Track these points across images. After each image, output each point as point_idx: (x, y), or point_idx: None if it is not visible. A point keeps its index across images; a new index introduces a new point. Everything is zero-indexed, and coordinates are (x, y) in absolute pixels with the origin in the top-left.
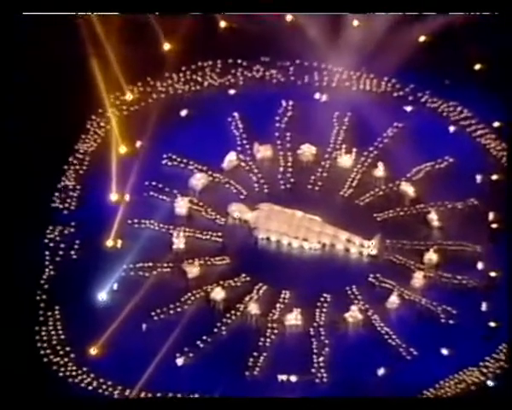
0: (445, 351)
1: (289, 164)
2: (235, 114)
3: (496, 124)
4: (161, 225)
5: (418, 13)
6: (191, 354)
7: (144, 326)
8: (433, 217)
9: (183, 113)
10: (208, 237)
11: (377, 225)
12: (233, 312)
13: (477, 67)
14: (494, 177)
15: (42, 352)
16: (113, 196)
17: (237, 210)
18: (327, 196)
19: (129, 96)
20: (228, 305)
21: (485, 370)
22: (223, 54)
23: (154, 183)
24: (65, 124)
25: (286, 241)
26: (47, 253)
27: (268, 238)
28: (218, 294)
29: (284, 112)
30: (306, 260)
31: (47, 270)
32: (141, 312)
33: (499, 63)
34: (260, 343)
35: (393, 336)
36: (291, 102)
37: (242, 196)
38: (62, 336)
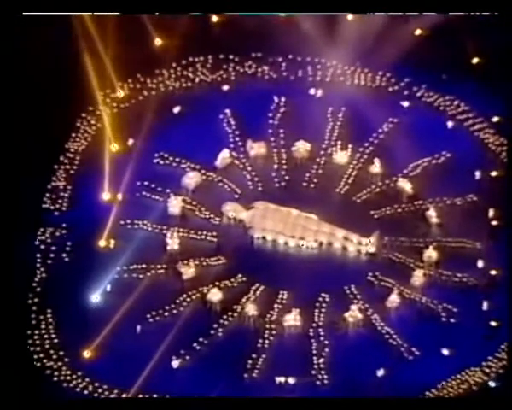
0: (446, 351)
1: (283, 161)
2: (227, 111)
3: (495, 119)
4: (154, 226)
5: (418, 13)
6: (188, 357)
7: (139, 328)
8: (432, 213)
9: (176, 110)
10: (203, 237)
11: (374, 223)
12: (230, 313)
13: (475, 60)
14: (493, 173)
15: (35, 356)
16: (106, 196)
17: (232, 209)
18: (323, 193)
19: (120, 94)
20: (225, 306)
21: (487, 370)
22: (214, 49)
23: (146, 182)
24: (54, 123)
25: (282, 240)
26: (38, 255)
27: (264, 237)
28: (215, 295)
29: (277, 108)
30: (303, 260)
31: (38, 272)
32: (135, 314)
33: (497, 57)
34: (259, 345)
35: (394, 336)
36: (285, 98)
37: (237, 195)
38: (55, 340)
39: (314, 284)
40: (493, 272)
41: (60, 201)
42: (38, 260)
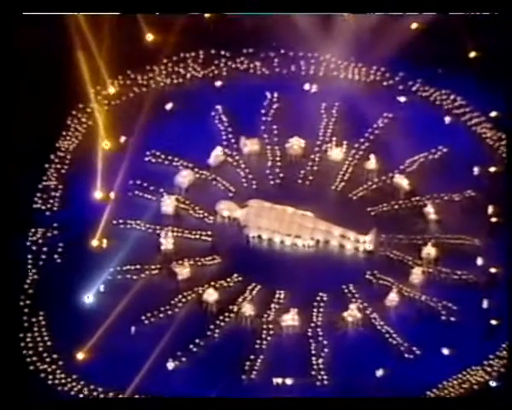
0: (447, 350)
1: (278, 158)
2: (219, 108)
3: (493, 114)
4: (148, 226)
5: (418, 13)
6: (184, 359)
7: (133, 329)
8: (430, 210)
9: (168, 107)
10: (197, 236)
11: (371, 220)
12: (226, 314)
13: (472, 54)
14: (492, 169)
15: (28, 359)
16: (98, 195)
17: (226, 208)
18: (318, 190)
19: (111, 90)
20: (221, 307)
21: (489, 369)
22: (205, 44)
23: (138, 181)
24: (45, 121)
25: (278, 238)
26: (29, 256)
27: (259, 236)
28: (211, 295)
29: (270, 104)
30: (300, 258)
31: (30, 274)
32: (130, 316)
33: (494, 50)
34: (257, 346)
35: (394, 335)
36: (278, 94)
37: (231, 194)
38: (48, 343)
39: (311, 283)
40: (493, 270)
41: (51, 200)
42: (30, 261)
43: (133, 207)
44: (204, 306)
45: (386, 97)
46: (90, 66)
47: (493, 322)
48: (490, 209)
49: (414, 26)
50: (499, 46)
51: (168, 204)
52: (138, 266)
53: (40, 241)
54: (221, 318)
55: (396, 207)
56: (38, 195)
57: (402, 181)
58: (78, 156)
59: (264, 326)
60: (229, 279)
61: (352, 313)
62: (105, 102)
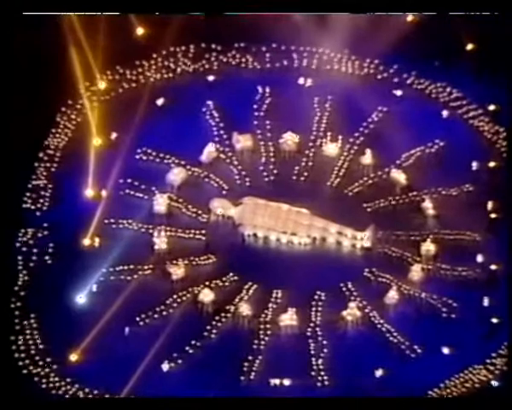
0: (448, 349)
1: (271, 154)
2: (210, 103)
3: (491, 107)
4: (140, 225)
5: (418, 13)
6: (180, 361)
7: (127, 330)
8: (428, 205)
9: (159, 102)
10: (191, 235)
11: (368, 216)
12: (223, 314)
13: (469, 47)
14: (491, 164)
15: (20, 363)
16: (89, 193)
17: (220, 206)
18: (313, 186)
19: (101, 86)
20: (217, 307)
21: (491, 368)
22: (195, 38)
23: (129, 179)
24: (33, 118)
25: (274, 236)
26: (20, 257)
27: (255, 234)
28: (207, 295)
29: (263, 99)
30: (297, 256)
31: (21, 275)
32: (124, 317)
33: (492, 43)
34: (255, 346)
35: (395, 334)
36: (271, 89)
37: (224, 191)
38: (41, 346)
39: (309, 282)
40: (493, 267)
41: (41, 200)
42: (20, 262)
43: (125, 205)
44: (200, 306)
45: (381, 91)
46: (79, 62)
47: (494, 320)
48: (489, 205)
49: (409, 18)
50: (497, 38)
51: (161, 203)
52: (131, 267)
53: (30, 241)
54: (217, 318)
55: (393, 202)
56: (28, 194)
57: (399, 176)
58: (68, 154)
59: (262, 326)
60: (224, 279)
61: (352, 312)
62: (94, 99)
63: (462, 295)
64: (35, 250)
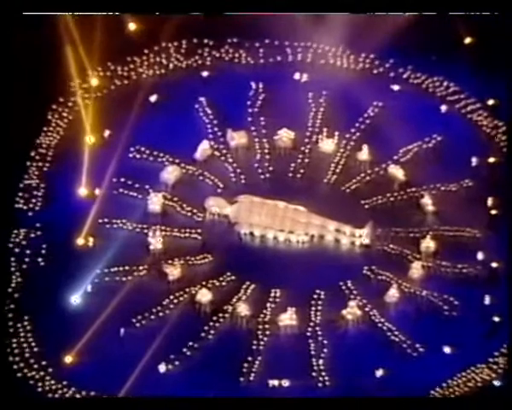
0: (450, 348)
1: (266, 151)
2: (202, 100)
3: (491, 102)
4: (135, 225)
5: (418, 13)
6: (177, 362)
7: (122, 331)
8: (428, 201)
9: (151, 99)
10: (187, 234)
11: (366, 213)
12: (221, 314)
13: (467, 40)
14: (491, 160)
15: (15, 367)
16: (82, 192)
17: (215, 205)
18: (310, 184)
19: (94, 82)
20: (215, 307)
21: (495, 367)
22: (187, 33)
23: (123, 179)
24: (23, 117)
25: (271, 235)
26: (12, 259)
27: (251, 233)
28: (204, 295)
29: (256, 95)
30: (295, 254)
31: (14, 277)
32: (120, 319)
33: (491, 36)
34: (254, 347)
35: (396, 333)
36: (265, 85)
37: (219, 189)
38: (35, 349)
39: (307, 281)
40: (494, 265)
41: (33, 200)
42: (13, 264)
43: (119, 205)
44: (197, 307)
45: (377, 85)
46: (69, 59)
47: (496, 319)
48: (489, 202)
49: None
50: (496, 33)
51: (155, 202)
52: (127, 268)
53: (23, 242)
54: (215, 319)
55: (391, 199)
56: (20, 194)
57: (397, 172)
58: (61, 153)
59: (261, 327)
60: (221, 278)
61: (352, 311)
62: (86, 96)
63: (463, 292)
64: (28, 251)
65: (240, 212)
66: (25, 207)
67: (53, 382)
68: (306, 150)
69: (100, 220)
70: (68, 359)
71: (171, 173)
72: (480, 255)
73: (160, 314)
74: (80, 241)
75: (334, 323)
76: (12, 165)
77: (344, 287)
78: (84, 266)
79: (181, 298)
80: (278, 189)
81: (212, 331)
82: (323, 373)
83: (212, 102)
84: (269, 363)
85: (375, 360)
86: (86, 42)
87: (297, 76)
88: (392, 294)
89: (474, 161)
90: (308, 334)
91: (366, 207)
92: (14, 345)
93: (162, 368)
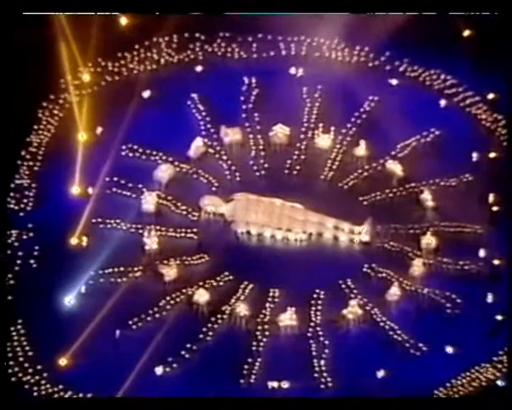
0: (453, 347)
1: (261, 147)
2: (194, 96)
3: (490, 96)
4: (129, 225)
5: (418, 13)
6: (175, 365)
7: (118, 332)
8: (427, 196)
9: (144, 95)
10: (182, 234)
11: (365, 210)
12: (219, 315)
13: (466, 33)
14: (492, 155)
15: (9, 371)
16: (75, 190)
17: (211, 203)
18: (306, 180)
19: (85, 78)
20: (213, 308)
21: (499, 365)
22: (178, 27)
23: (116, 178)
24: (13, 115)
25: (268, 233)
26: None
27: (248, 232)
28: (202, 296)
29: (250, 90)
30: (293, 253)
31: (6, 279)
32: (115, 321)
33: (489, 29)
34: (254, 348)
35: (399, 332)
36: (260, 80)
37: (214, 188)
38: (30, 353)
39: (307, 280)
40: (496, 262)
41: (25, 200)
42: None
43: (112, 204)
44: (195, 307)
45: (374, 79)
46: (59, 55)
47: (499, 317)
48: (491, 198)
49: None
50: (495, 27)
51: (149, 201)
52: (122, 269)
53: (15, 244)
54: (213, 320)
55: (390, 195)
56: (11, 194)
57: (395, 167)
58: (52, 151)
59: (260, 327)
60: (219, 278)
61: (353, 310)
62: (77, 93)
63: (465, 289)
64: (20, 253)
65: (236, 210)
66: (16, 208)
67: (48, 386)
68: (302, 146)
69: (93, 220)
70: (63, 361)
71: (164, 172)
72: (481, 252)
73: (157, 316)
74: (74, 240)
75: (334, 323)
76: (2, 165)
77: (344, 285)
78: (78, 267)
79: (178, 299)
80: (274, 186)
81: (210, 333)
82: (325, 374)
83: (204, 97)
84: (269, 364)
85: (378, 359)
86: (75, 38)
87: (293, 70)
88: (394, 292)
89: (475, 156)
90: (309, 334)
91: (364, 203)
92: (8, 349)
93: (160, 371)
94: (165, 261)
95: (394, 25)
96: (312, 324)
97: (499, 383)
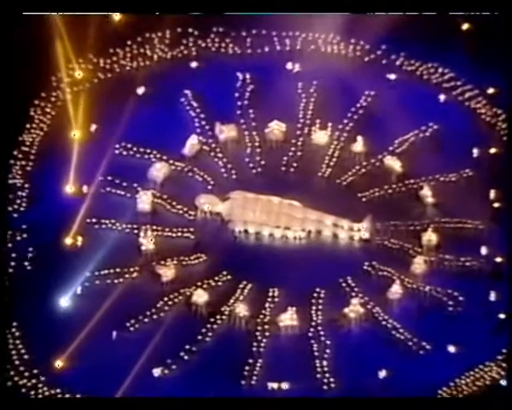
0: (456, 346)
1: (257, 144)
2: (188, 92)
3: (490, 90)
4: (124, 225)
5: (418, 13)
6: (174, 367)
7: (114, 334)
8: (427, 192)
9: (138, 92)
10: (179, 234)
11: (364, 207)
12: (218, 315)
13: (464, 27)
14: (492, 150)
15: (5, 375)
16: (69, 189)
17: (207, 202)
18: (304, 178)
19: (77, 75)
20: (212, 308)
21: (504, 364)
22: (171, 23)
23: (110, 177)
24: (4, 114)
25: (267, 231)
26: None
27: (246, 230)
28: (200, 296)
29: (244, 86)
30: (292, 251)
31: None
32: (112, 323)
33: (488, 22)
34: (254, 349)
35: (401, 330)
36: (255, 75)
37: (210, 186)
38: (26, 356)
39: (306, 279)
40: (498, 260)
41: (18, 200)
42: None
43: (107, 204)
44: (194, 308)
45: (371, 74)
46: (50, 52)
47: (502, 316)
48: (492, 194)
49: None
50: (494, 18)
51: (145, 200)
52: (118, 270)
53: (9, 245)
54: (213, 320)
55: (389, 191)
56: (4, 195)
57: (393, 163)
58: (45, 150)
59: (261, 327)
60: (217, 278)
61: (355, 309)
62: (68, 90)
63: (467, 287)
64: (14, 255)
65: (233, 209)
66: (9, 209)
67: (45, 388)
68: (299, 143)
69: (88, 220)
70: (59, 364)
71: (159, 170)
72: (483, 250)
73: (155, 317)
74: (69, 240)
75: (336, 322)
76: None
77: (344, 284)
78: (74, 268)
79: (176, 300)
80: (271, 183)
81: (209, 334)
82: (328, 375)
83: (199, 94)
84: (271, 365)
85: (381, 359)
86: (66, 35)
87: (289, 66)
88: (396, 290)
89: (475, 152)
90: (310, 334)
91: (363, 200)
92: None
93: (158, 373)
94: (162, 262)
95: (390, 18)
96: (313, 323)
97: (502, 382)
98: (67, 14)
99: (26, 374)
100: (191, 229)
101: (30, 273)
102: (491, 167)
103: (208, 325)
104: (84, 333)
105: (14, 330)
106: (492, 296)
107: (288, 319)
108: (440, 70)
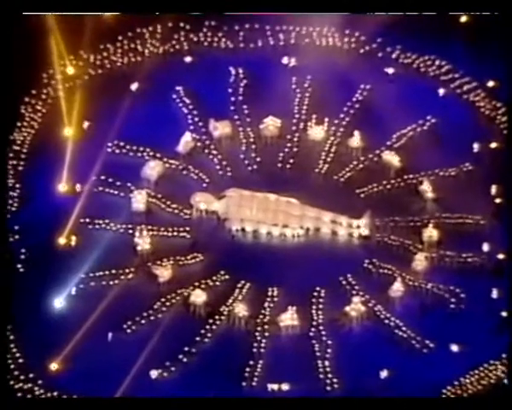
0: (459, 344)
1: (252, 141)
2: (179, 89)
3: (490, 83)
4: (119, 225)
5: (418, 13)
6: (173, 368)
7: (110, 335)
8: (427, 188)
9: (131, 88)
10: (175, 233)
11: (362, 203)
12: (217, 316)
13: (463, 19)
14: (493, 145)
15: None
16: (62, 188)
17: (202, 200)
18: (301, 174)
19: (68, 71)
20: (210, 308)
21: (508, 363)
22: (162, 17)
23: (103, 176)
24: None
25: (264, 230)
26: None
27: (243, 229)
28: (198, 297)
29: (238, 81)
30: (290, 250)
31: None
32: (108, 325)
33: (487, 14)
34: (255, 349)
35: (403, 329)
36: (249, 70)
37: (205, 184)
38: (20, 360)
39: (306, 277)
40: (500, 256)
41: (9, 201)
42: None
43: (101, 204)
44: (192, 309)
45: (368, 67)
46: (40, 48)
47: (504, 314)
48: (493, 190)
49: None
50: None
51: (139, 200)
52: (113, 271)
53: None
54: (211, 321)
55: (388, 187)
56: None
57: (392, 158)
58: (36, 148)
59: (260, 328)
60: (215, 278)
61: (356, 307)
62: (59, 87)
63: (468, 283)
64: (6, 256)
65: (229, 207)
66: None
67: (41, 391)
68: (295, 139)
69: (82, 220)
70: (54, 366)
71: (153, 169)
72: (485, 247)
73: (152, 318)
74: (62, 240)
75: (337, 321)
76: None
77: (344, 282)
78: (68, 269)
79: (173, 300)
80: (267, 180)
81: (208, 334)
82: (330, 375)
83: (192, 90)
84: (271, 366)
85: (383, 358)
86: (56, 30)
87: (285, 60)
88: (397, 288)
89: (476, 146)
90: (311, 334)
91: (362, 196)
92: None
93: (156, 375)
94: (159, 262)
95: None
96: (314, 323)
97: (506, 381)
98: (61, 13)
99: (22, 377)
100: (187, 228)
101: (23, 276)
102: (492, 162)
103: (207, 326)
104: (79, 335)
105: (8, 333)
106: (494, 294)
107: (289, 318)
108: (438, 62)
